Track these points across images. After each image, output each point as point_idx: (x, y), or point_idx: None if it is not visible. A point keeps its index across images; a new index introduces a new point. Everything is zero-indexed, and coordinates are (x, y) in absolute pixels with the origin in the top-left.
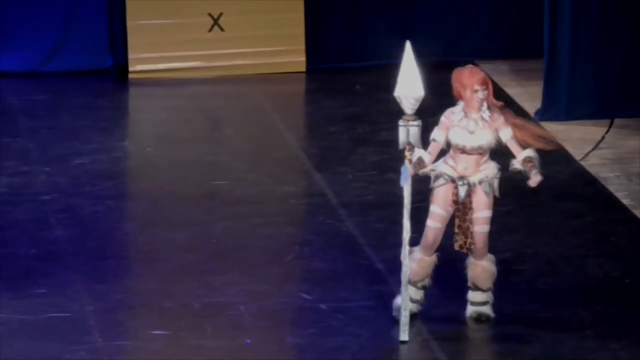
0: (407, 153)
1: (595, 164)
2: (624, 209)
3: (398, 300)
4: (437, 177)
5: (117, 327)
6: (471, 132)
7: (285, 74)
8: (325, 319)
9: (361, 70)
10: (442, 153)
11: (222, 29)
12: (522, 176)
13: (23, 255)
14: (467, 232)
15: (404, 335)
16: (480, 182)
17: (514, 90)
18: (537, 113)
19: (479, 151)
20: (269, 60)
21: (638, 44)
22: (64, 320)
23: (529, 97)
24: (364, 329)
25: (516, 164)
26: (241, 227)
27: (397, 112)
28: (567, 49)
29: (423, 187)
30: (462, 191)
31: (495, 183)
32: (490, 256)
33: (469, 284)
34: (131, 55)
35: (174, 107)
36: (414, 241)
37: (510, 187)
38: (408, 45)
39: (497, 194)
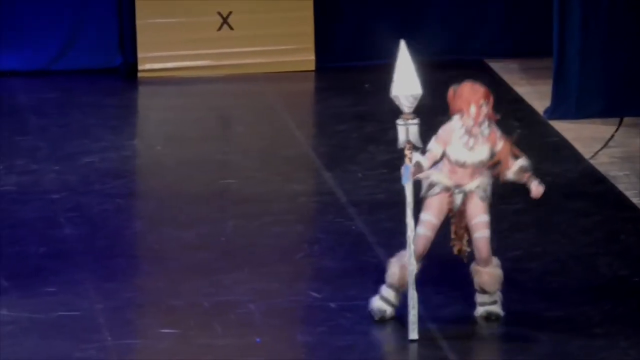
0: (407, 152)
1: (605, 163)
2: (633, 207)
3: (375, 302)
4: (431, 186)
5: (126, 326)
6: (471, 149)
7: (294, 73)
8: (334, 318)
9: (370, 68)
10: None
11: (231, 28)
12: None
13: (32, 254)
14: (462, 239)
15: (413, 334)
16: (475, 189)
17: (523, 89)
18: (546, 111)
19: (479, 166)
20: (278, 59)
21: None
22: (73, 318)
23: (539, 95)
24: (373, 327)
25: (510, 174)
26: (250, 226)
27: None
28: (577, 47)
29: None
30: (458, 199)
31: (489, 189)
32: (495, 260)
33: (476, 287)
34: (140, 54)
35: (183, 105)
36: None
37: (520, 186)
38: (403, 44)
39: (490, 200)
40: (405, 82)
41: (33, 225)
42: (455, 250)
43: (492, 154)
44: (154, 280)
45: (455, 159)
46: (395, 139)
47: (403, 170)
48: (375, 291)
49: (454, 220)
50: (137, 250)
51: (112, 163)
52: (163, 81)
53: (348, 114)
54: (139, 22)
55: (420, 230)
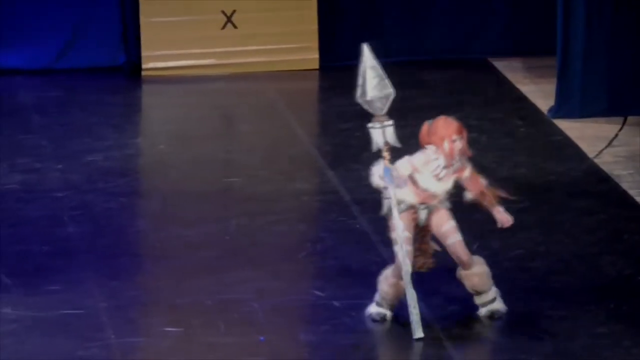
0: (386, 154)
1: (609, 162)
2: (637, 206)
3: (372, 309)
4: (397, 204)
5: (130, 324)
6: (439, 180)
7: (298, 72)
8: (338, 316)
9: None
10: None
11: (235, 27)
12: (535, 173)
13: (36, 252)
14: (426, 254)
15: (418, 333)
16: (440, 202)
17: (527, 88)
18: (550, 110)
19: (445, 193)
20: (282, 58)
21: None
22: (77, 317)
23: (543, 94)
24: (377, 326)
25: (470, 195)
26: (254, 224)
27: (410, 110)
28: (581, 46)
29: None
30: (423, 215)
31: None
32: (478, 259)
33: (471, 291)
34: (144, 53)
35: (187, 104)
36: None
37: (524, 185)
38: (366, 48)
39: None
40: (376, 84)
41: (36, 223)
42: (417, 266)
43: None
44: (157, 279)
45: (424, 187)
46: (399, 137)
47: (382, 172)
48: None
49: (417, 236)
50: (141, 248)
51: (115, 162)
52: (167, 80)
53: (351, 112)
54: (142, 21)
55: (398, 249)
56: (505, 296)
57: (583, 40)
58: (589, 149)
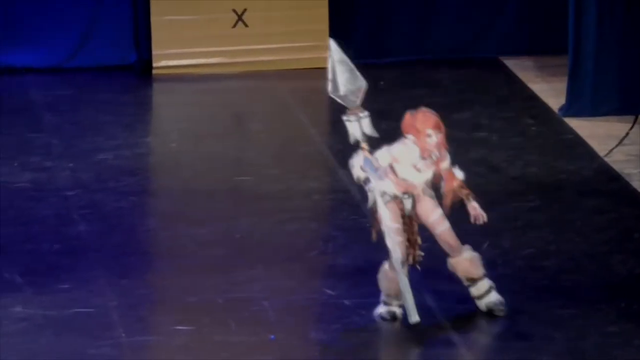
0: (364, 145)
1: (620, 160)
2: None
3: (381, 309)
4: (379, 196)
5: (140, 323)
6: (419, 170)
7: (309, 70)
8: (349, 315)
9: (385, 66)
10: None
11: (246, 25)
12: (546, 172)
13: (47, 251)
14: (415, 245)
15: (414, 317)
16: (423, 191)
17: (538, 87)
18: (561, 109)
19: (424, 184)
20: (293, 56)
21: None
22: (87, 315)
23: (554, 93)
24: (388, 325)
25: (444, 188)
26: (265, 223)
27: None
28: (592, 44)
29: None
30: (408, 204)
31: (430, 183)
32: (466, 246)
33: (464, 282)
34: (155, 51)
35: (198, 102)
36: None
37: (535, 184)
38: (332, 43)
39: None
40: (347, 78)
41: (47, 222)
42: (408, 259)
43: (435, 175)
44: (168, 278)
45: (403, 177)
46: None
47: (363, 163)
48: None
49: (405, 227)
50: (151, 247)
51: (126, 160)
52: (178, 78)
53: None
54: (153, 19)
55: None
56: (516, 295)
57: (594, 39)
58: (600, 147)
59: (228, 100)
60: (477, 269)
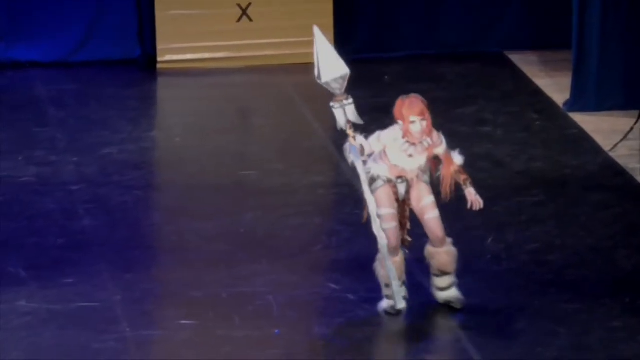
0: (349, 132)
1: (624, 155)
2: None
3: (383, 304)
4: (373, 180)
5: (145, 317)
6: (410, 156)
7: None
8: (352, 309)
9: (389, 61)
10: None
11: (250, 20)
12: (550, 167)
13: (51, 245)
14: (405, 228)
15: (400, 304)
16: (417, 177)
17: (543, 81)
18: (566, 104)
19: (416, 170)
20: (298, 51)
21: None
22: (92, 310)
23: (558, 88)
24: (392, 319)
25: (442, 172)
26: (269, 218)
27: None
28: (597, 39)
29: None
30: (402, 188)
31: (428, 173)
32: (449, 239)
33: (435, 272)
34: (160, 46)
35: (202, 97)
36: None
37: (540, 179)
38: (316, 30)
39: (433, 179)
40: (330, 65)
41: (51, 216)
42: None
43: (433, 158)
44: (172, 272)
45: (395, 163)
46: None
47: (349, 149)
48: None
49: (398, 210)
50: (156, 241)
51: (131, 155)
52: (182, 73)
53: (367, 106)
54: (158, 14)
55: (385, 226)
56: (521, 290)
57: (599, 34)
58: (605, 142)
59: (232, 95)
60: (452, 265)
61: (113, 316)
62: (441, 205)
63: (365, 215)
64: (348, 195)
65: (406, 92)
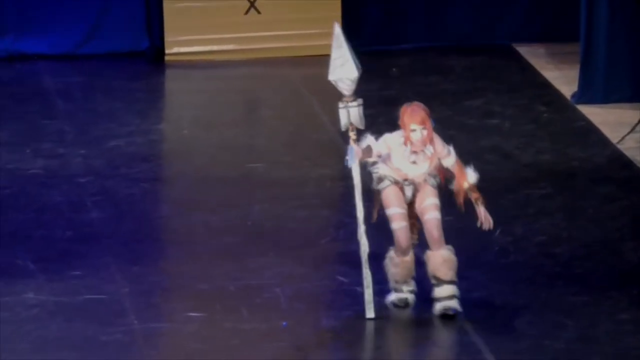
0: (351, 134)
1: (632, 147)
2: None
3: (392, 297)
4: (380, 180)
5: (152, 310)
6: (412, 163)
7: (321, 57)
8: (360, 302)
9: (397, 53)
10: None
11: (258, 12)
12: (558, 159)
13: (59, 238)
14: (413, 228)
15: (370, 313)
16: (425, 180)
17: (551, 74)
18: (573, 96)
19: (420, 177)
20: (305, 43)
21: None
22: (99, 302)
23: (566, 80)
24: (399, 311)
25: (454, 186)
26: (277, 210)
27: (433, 96)
28: (604, 32)
29: None
30: (409, 191)
31: (438, 179)
32: (449, 246)
33: (431, 280)
34: (168, 38)
35: (210, 89)
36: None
37: (547, 171)
38: (337, 28)
39: (441, 186)
40: (340, 66)
41: (59, 209)
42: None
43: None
44: (180, 264)
45: (397, 167)
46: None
47: (348, 151)
48: None
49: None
50: (163, 234)
51: (138, 147)
52: (190, 65)
53: (375, 98)
54: (166, 6)
55: (395, 225)
56: (528, 282)
57: (606, 26)
58: (612, 135)
59: (240, 87)
60: (447, 271)
61: (120, 309)
62: (450, 202)
63: (375, 215)
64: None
65: (413, 85)
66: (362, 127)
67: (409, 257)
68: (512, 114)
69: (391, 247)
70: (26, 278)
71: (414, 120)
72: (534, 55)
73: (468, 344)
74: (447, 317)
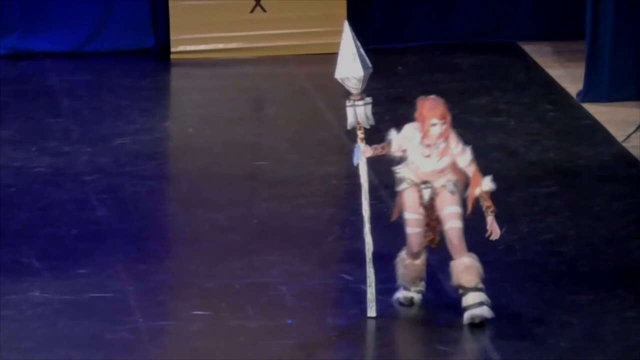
0: (358, 132)
1: (638, 146)
2: None
3: (399, 294)
4: (400, 181)
5: (158, 308)
6: (426, 157)
7: (326, 55)
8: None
9: (403, 51)
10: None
11: (264, 10)
12: (564, 158)
13: (65, 235)
14: (435, 230)
15: (371, 312)
16: (443, 185)
17: (556, 72)
18: (579, 94)
19: (435, 172)
20: (311, 42)
21: None
22: (105, 300)
23: (572, 78)
24: (405, 310)
25: (470, 190)
26: (283, 208)
27: (439, 94)
28: (610, 30)
29: None
30: (426, 194)
31: (459, 184)
32: (471, 254)
33: (457, 288)
34: (173, 36)
35: (216, 87)
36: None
37: (553, 169)
38: (346, 25)
39: (462, 194)
40: (346, 64)
41: (65, 207)
42: (426, 241)
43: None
44: (185, 262)
45: (412, 160)
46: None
47: (355, 149)
48: None
49: (426, 212)
50: (169, 232)
51: (144, 145)
52: (195, 63)
53: (381, 96)
54: (171, 4)
55: (408, 230)
56: (534, 280)
57: (612, 25)
58: (618, 133)
59: (245, 86)
60: (470, 278)
61: (126, 306)
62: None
63: (396, 215)
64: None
65: (419, 83)
66: (367, 126)
67: (420, 261)
68: (518, 112)
69: (404, 248)
70: (32, 276)
71: (435, 114)
72: (540, 54)
73: (474, 341)
74: (476, 325)
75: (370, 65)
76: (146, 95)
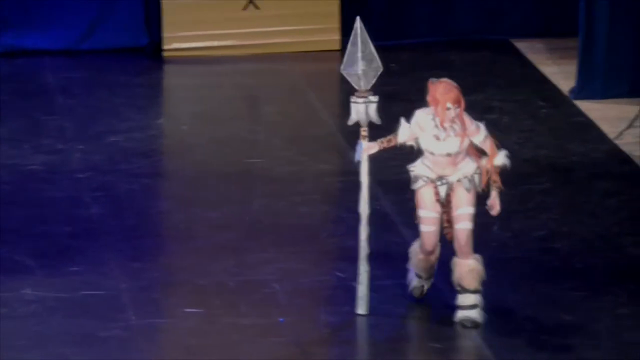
0: (361, 129)
1: (630, 143)
2: None
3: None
4: (416, 179)
5: (151, 305)
6: (439, 140)
7: (320, 52)
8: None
9: (397, 48)
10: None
11: (257, 7)
12: (557, 154)
13: (58, 233)
14: (448, 229)
15: (361, 309)
16: (459, 181)
17: (549, 69)
18: (572, 92)
19: (448, 156)
20: (304, 39)
21: None
22: (98, 298)
23: (565, 75)
24: (398, 307)
25: (487, 164)
26: (276, 205)
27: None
28: (603, 27)
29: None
30: (442, 191)
31: (476, 178)
32: (476, 255)
33: (456, 286)
34: (166, 34)
35: (210, 85)
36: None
37: (546, 166)
38: (357, 22)
39: (479, 189)
40: (350, 60)
41: (59, 204)
42: (448, 237)
43: (468, 145)
44: (179, 260)
45: (425, 147)
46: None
47: (357, 147)
48: (400, 271)
49: (444, 209)
50: (163, 229)
51: (138, 142)
52: (189, 60)
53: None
54: (164, 2)
55: (423, 228)
56: (527, 277)
57: (605, 22)
58: (611, 130)
59: (239, 83)
60: (472, 282)
61: (119, 304)
62: None
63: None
64: (355, 183)
65: (414, 80)
66: (364, 124)
67: (433, 257)
68: (511, 110)
69: (417, 240)
70: (25, 274)
71: (449, 98)
72: (533, 51)
73: (467, 338)
74: (466, 327)
75: (378, 64)
76: (140, 93)
